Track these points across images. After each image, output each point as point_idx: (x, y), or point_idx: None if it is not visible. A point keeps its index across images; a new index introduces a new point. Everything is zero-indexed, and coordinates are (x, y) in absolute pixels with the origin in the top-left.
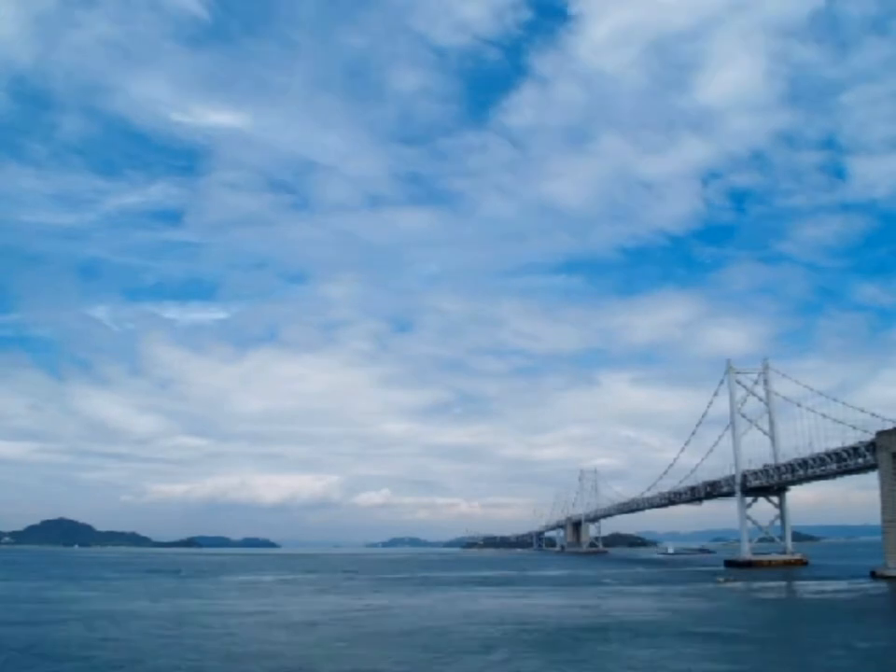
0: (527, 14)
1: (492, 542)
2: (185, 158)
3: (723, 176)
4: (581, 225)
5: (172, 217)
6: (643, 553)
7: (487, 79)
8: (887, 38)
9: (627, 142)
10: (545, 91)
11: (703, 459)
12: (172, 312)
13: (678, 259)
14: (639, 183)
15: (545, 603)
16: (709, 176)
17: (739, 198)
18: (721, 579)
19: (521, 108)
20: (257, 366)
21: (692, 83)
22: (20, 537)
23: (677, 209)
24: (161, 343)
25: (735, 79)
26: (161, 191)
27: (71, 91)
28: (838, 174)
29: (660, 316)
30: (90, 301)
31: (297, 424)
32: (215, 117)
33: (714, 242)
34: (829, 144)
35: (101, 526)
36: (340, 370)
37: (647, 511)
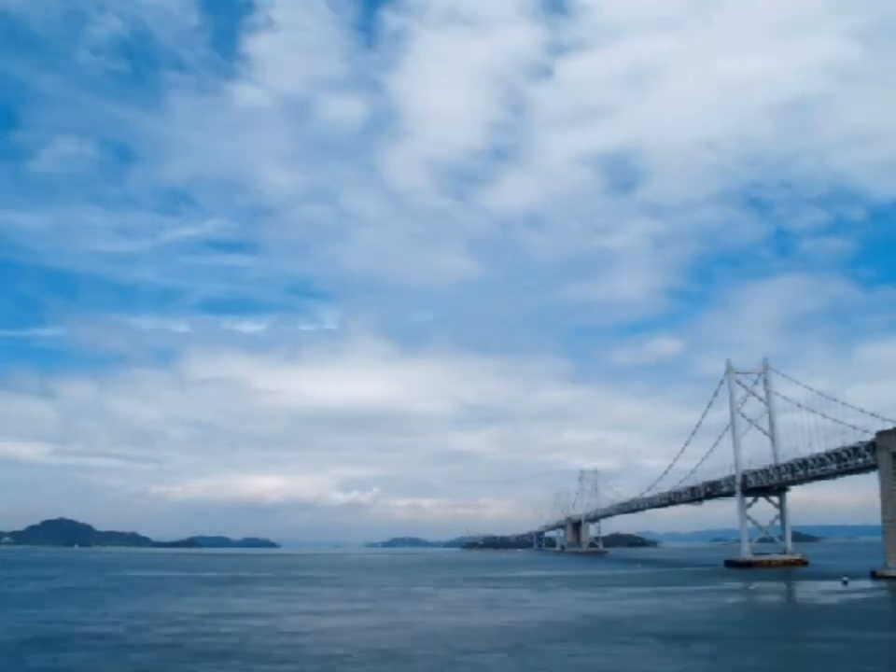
0: (502, 138)
1: (492, 542)
2: (242, 201)
3: (675, 245)
4: (553, 280)
5: (221, 246)
6: (642, 553)
7: (470, 176)
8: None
9: (582, 223)
10: (514, 189)
11: (703, 459)
12: (206, 327)
13: (651, 306)
14: (600, 250)
15: None
16: (664, 243)
17: (697, 262)
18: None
19: (499, 197)
20: (278, 376)
21: (636, 185)
22: (20, 537)
23: (640, 267)
24: (193, 356)
25: (670, 183)
26: (215, 226)
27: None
28: (782, 249)
29: (648, 349)
30: (132, 317)
31: (303, 429)
32: (274, 176)
33: (683, 293)
34: (765, 221)
35: (101, 526)
36: (352, 381)
37: (647, 511)
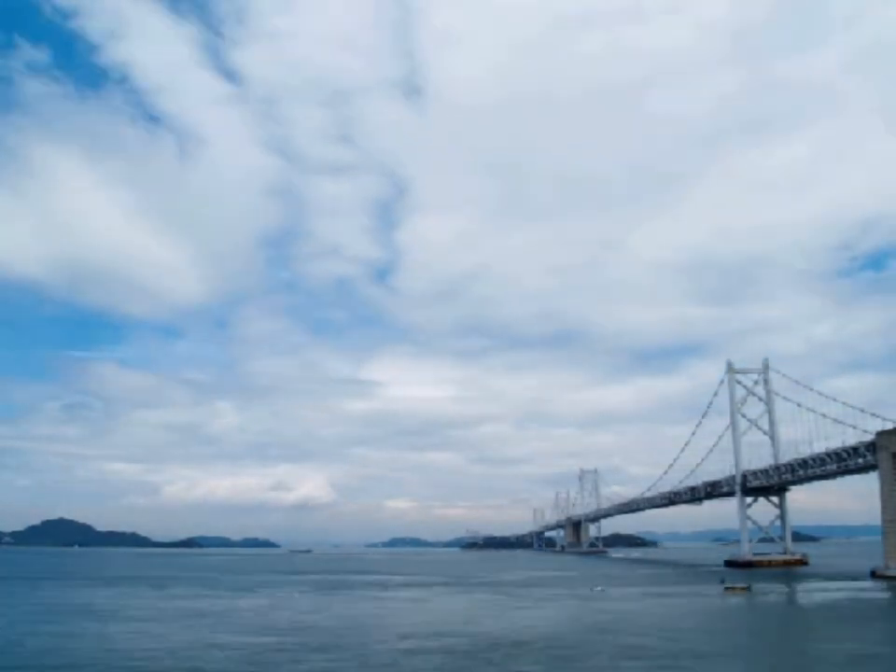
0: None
1: (492, 542)
2: None
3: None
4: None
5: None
6: (642, 553)
7: (456, 284)
8: None
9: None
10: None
11: (703, 459)
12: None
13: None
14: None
15: None
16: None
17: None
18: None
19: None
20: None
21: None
22: (20, 537)
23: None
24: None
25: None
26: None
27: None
28: None
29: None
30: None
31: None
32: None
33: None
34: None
35: (101, 526)
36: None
37: (647, 511)
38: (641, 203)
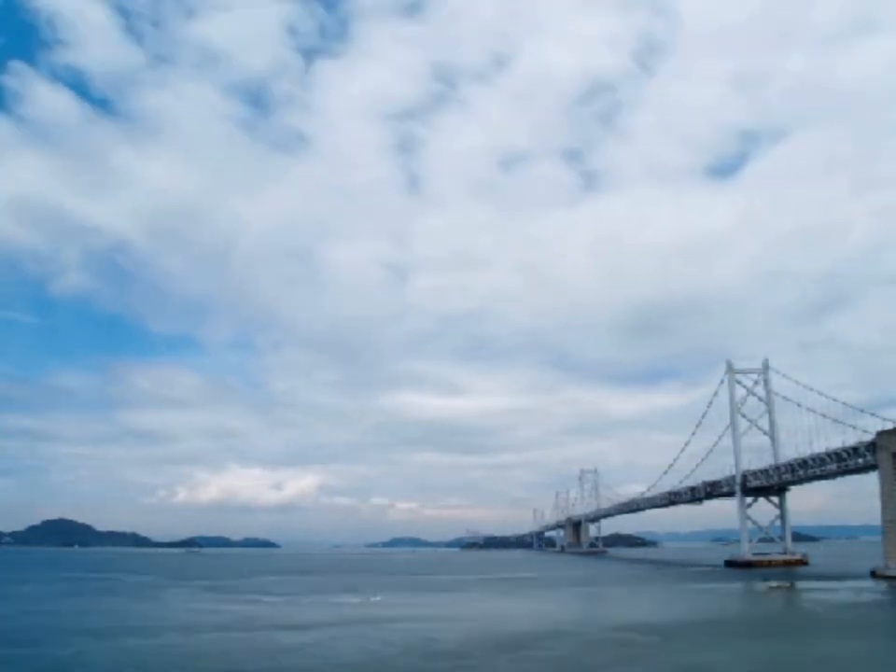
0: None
1: (492, 542)
2: None
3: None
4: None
5: None
6: (642, 552)
7: None
8: None
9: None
10: None
11: (703, 459)
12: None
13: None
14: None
15: None
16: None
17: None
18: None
19: None
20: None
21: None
22: (20, 537)
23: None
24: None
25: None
26: None
27: None
28: None
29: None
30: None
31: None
32: None
33: None
34: None
35: (101, 526)
36: None
37: (647, 511)
38: None
